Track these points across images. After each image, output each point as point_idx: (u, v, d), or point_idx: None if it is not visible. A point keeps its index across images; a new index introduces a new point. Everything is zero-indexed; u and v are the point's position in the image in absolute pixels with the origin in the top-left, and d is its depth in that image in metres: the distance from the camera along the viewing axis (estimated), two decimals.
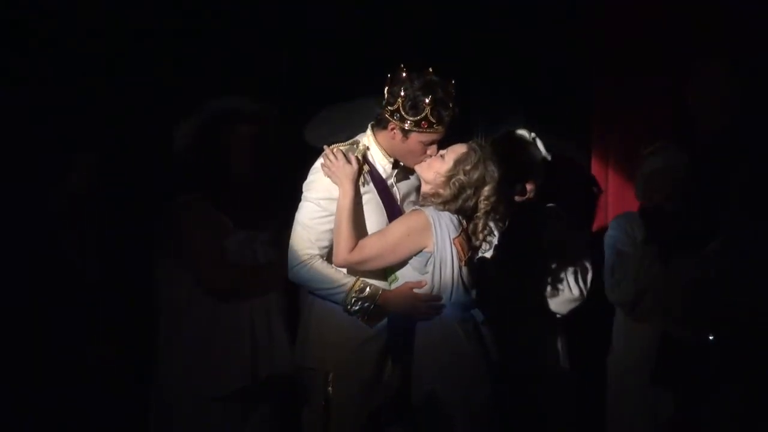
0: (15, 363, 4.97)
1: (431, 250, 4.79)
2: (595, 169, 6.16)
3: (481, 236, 4.87)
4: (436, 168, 4.86)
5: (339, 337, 4.87)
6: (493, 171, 4.82)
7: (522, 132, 5.62)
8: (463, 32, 6.12)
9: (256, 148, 5.28)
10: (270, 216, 5.30)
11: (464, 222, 4.86)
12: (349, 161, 4.82)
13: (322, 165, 4.86)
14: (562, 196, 5.75)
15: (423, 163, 4.90)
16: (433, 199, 4.83)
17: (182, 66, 5.98)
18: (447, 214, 4.81)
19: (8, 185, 5.17)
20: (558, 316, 5.51)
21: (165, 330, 5.31)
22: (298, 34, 6.15)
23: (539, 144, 5.59)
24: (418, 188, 5.03)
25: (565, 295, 5.48)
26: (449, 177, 4.81)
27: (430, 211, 4.81)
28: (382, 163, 4.94)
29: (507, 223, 5.02)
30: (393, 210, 4.94)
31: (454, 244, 4.81)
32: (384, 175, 4.95)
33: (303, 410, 5.02)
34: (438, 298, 4.82)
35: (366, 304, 4.81)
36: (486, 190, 4.81)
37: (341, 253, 4.79)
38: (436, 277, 4.81)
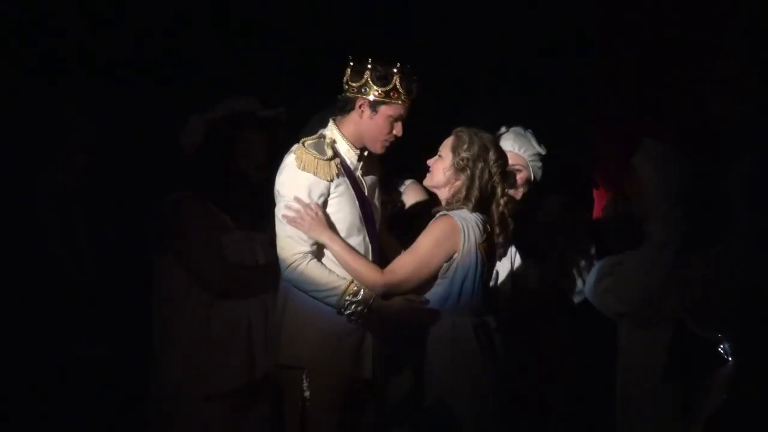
0: (11, 364, 4.96)
1: (458, 255, 4.81)
2: (596, 170, 6.17)
3: (502, 202, 4.93)
4: (440, 167, 4.98)
5: (314, 335, 4.90)
6: (488, 137, 4.98)
7: (516, 128, 5.63)
8: (463, 33, 6.15)
9: (263, 153, 5.30)
10: (268, 218, 5.30)
11: (488, 226, 4.89)
12: (315, 211, 4.85)
13: (289, 219, 4.86)
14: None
15: (426, 177, 5.02)
16: (458, 196, 4.90)
17: (178, 65, 6.00)
18: (473, 218, 4.87)
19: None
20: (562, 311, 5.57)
21: (162, 328, 5.32)
22: (298, 35, 6.18)
23: (533, 139, 5.60)
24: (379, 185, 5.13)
25: (575, 286, 5.53)
26: (456, 163, 4.92)
27: (457, 216, 4.85)
28: (349, 155, 4.99)
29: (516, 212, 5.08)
30: (363, 202, 4.99)
31: (480, 249, 4.83)
32: (351, 168, 4.99)
33: (283, 409, 5.04)
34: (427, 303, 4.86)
35: (359, 308, 4.85)
36: (491, 154, 4.92)
37: (376, 282, 4.84)
38: (457, 282, 4.86)
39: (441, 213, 4.94)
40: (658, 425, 5.22)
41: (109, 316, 5.23)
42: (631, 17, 6.03)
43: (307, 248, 4.87)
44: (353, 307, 4.84)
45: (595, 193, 6.07)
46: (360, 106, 4.93)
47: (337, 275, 4.87)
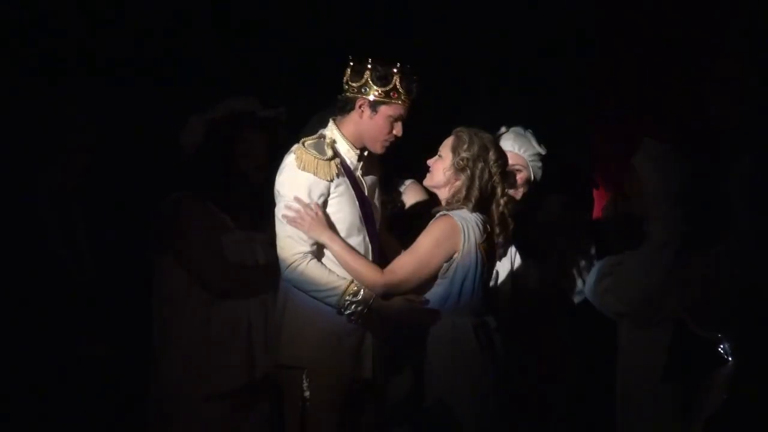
0: (11, 364, 4.96)
1: (458, 255, 4.81)
2: (596, 170, 6.18)
3: (502, 202, 4.93)
4: (440, 167, 4.98)
5: (314, 335, 4.90)
6: (488, 137, 4.98)
7: (516, 128, 5.65)
8: (463, 33, 6.16)
9: (263, 153, 5.31)
10: (268, 218, 5.31)
11: (488, 226, 4.88)
12: (315, 211, 4.85)
13: (289, 220, 4.87)
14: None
15: (426, 177, 5.02)
16: (458, 196, 4.89)
17: (178, 65, 6.02)
18: (473, 218, 4.87)
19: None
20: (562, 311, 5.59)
21: (162, 328, 5.33)
22: (298, 35, 6.19)
23: (533, 139, 5.61)
24: (379, 185, 5.13)
25: (575, 286, 5.56)
26: (456, 163, 4.92)
27: (457, 216, 4.85)
28: (349, 156, 4.99)
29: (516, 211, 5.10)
30: (363, 202, 4.99)
31: (480, 249, 4.83)
32: (351, 168, 4.99)
33: (283, 409, 5.04)
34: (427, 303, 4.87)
35: (359, 308, 4.85)
36: (491, 154, 4.92)
37: (376, 282, 4.84)
38: (457, 282, 4.86)
39: (441, 213, 4.94)
40: (658, 425, 5.22)
41: (109, 316, 5.23)
42: (631, 17, 6.03)
43: (307, 248, 4.87)
44: (353, 307, 4.84)
45: (595, 193, 6.07)
46: (360, 106, 4.93)
47: (337, 275, 4.87)
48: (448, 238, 4.85)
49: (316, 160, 4.89)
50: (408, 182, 5.56)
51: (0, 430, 4.99)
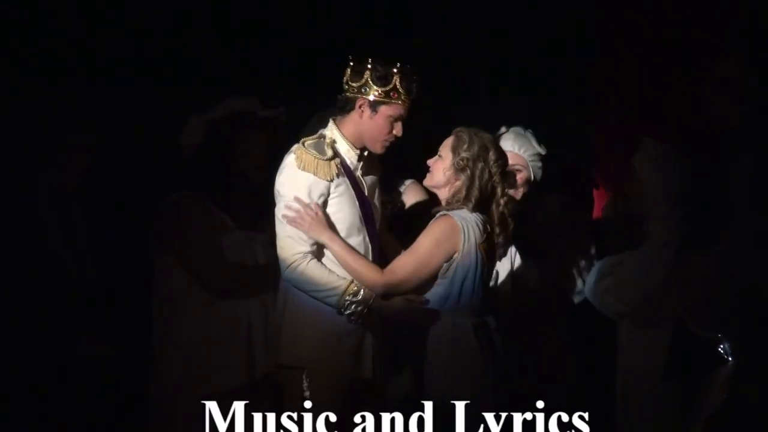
0: (11, 364, 4.97)
1: (458, 255, 4.82)
2: (596, 170, 6.18)
3: (502, 202, 4.93)
4: (440, 167, 4.98)
5: (314, 335, 4.90)
6: (488, 137, 4.98)
7: (516, 128, 5.65)
8: (463, 33, 6.16)
9: (263, 153, 5.31)
10: (268, 218, 5.31)
11: (488, 226, 4.89)
12: (315, 211, 4.85)
13: (289, 219, 4.87)
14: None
15: (426, 177, 5.02)
16: (458, 196, 4.90)
17: (178, 65, 6.02)
18: (473, 218, 4.87)
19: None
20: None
21: (162, 328, 5.32)
22: (298, 35, 6.19)
23: (533, 139, 5.61)
24: (379, 185, 5.14)
25: (575, 286, 5.56)
26: (456, 164, 4.92)
27: (457, 216, 4.85)
28: (349, 155, 4.99)
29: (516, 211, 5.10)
30: (364, 202, 5.00)
31: (480, 249, 4.83)
32: (351, 168, 4.99)
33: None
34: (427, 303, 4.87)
35: (359, 308, 4.85)
36: (492, 154, 4.92)
37: (376, 282, 4.84)
38: (457, 282, 4.86)
39: (441, 213, 4.94)
40: (658, 425, 5.23)
41: (109, 316, 5.25)
42: (631, 17, 6.04)
43: (307, 248, 4.87)
44: (353, 307, 4.84)
45: (595, 193, 6.08)
46: (360, 106, 4.93)
47: (337, 275, 4.87)
48: (448, 238, 4.85)
49: (316, 160, 4.89)
50: (408, 182, 5.56)
51: (0, 430, 4.99)
